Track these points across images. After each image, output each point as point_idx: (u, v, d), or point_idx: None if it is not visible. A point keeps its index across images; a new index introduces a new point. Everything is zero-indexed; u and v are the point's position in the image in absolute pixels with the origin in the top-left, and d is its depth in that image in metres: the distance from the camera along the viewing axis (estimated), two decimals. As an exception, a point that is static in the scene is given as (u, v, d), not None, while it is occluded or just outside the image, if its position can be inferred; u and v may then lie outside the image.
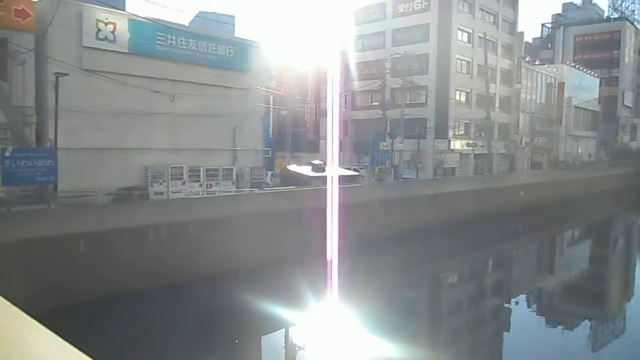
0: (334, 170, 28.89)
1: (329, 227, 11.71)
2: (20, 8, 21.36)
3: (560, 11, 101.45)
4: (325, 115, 48.75)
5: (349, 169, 32.97)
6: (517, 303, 22.59)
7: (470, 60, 49.89)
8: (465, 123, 50.08)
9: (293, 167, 28.78)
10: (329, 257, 11.31)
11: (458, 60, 48.62)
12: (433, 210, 26.99)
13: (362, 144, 52.08)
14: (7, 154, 15.28)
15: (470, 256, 28.61)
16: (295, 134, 40.08)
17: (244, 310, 15.98)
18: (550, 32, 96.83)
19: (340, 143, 53.35)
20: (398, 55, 42.62)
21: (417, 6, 49.00)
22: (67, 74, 21.07)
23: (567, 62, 71.99)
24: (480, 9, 50.98)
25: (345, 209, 24.01)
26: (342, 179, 25.22)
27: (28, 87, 21.91)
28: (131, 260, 15.55)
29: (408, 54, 41.53)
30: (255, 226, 19.30)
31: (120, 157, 25.00)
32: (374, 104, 51.29)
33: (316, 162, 27.94)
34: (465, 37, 49.41)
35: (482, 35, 51.08)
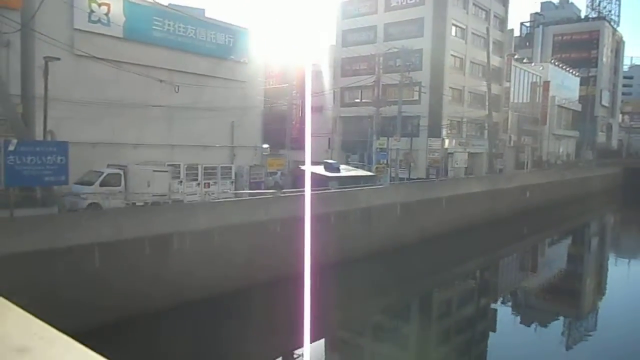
0: (350, 170, 27.53)
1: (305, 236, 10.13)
2: (5, -17, 18.89)
3: (539, 10, 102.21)
4: (313, 111, 47.56)
5: (356, 168, 31.27)
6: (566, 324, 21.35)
7: (463, 57, 49.03)
8: (458, 121, 49.21)
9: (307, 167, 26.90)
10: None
11: (451, 57, 47.62)
12: (450, 213, 25.85)
13: (351, 142, 50.65)
14: (11, 147, 12.88)
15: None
16: (278, 131, 38.28)
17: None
18: (529, 31, 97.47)
19: (329, 140, 51.84)
20: (396, 50, 41.14)
21: (410, 0, 47.71)
22: (58, 59, 18.81)
23: (552, 61, 72.21)
24: (474, 4, 50.12)
25: (368, 212, 22.78)
26: (359, 180, 23.70)
27: (12, 72, 19.44)
28: (153, 274, 13.58)
29: (406, 49, 40.15)
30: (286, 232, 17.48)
31: (112, 153, 22.77)
32: (364, 100, 49.94)
33: (330, 160, 26.20)
34: (459, 33, 48.46)
35: (475, 32, 50.37)
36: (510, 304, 23.07)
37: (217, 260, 15.30)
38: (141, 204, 19.81)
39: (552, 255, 34.45)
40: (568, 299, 24.45)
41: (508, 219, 32.16)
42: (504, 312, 21.49)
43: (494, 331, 18.76)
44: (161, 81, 22.89)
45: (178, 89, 23.71)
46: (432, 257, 23.85)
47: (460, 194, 28.53)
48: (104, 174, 19.90)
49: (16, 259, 11.00)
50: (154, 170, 22.19)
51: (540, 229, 36.91)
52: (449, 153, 46.24)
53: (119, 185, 20.39)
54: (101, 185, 19.50)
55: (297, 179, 25.15)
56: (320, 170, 25.05)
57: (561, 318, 21.08)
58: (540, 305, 22.85)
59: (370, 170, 36.54)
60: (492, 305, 22.29)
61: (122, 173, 20.62)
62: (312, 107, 32.22)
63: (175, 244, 14.12)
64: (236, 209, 16.87)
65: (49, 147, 14.00)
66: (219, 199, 21.49)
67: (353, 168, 29.93)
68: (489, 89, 45.81)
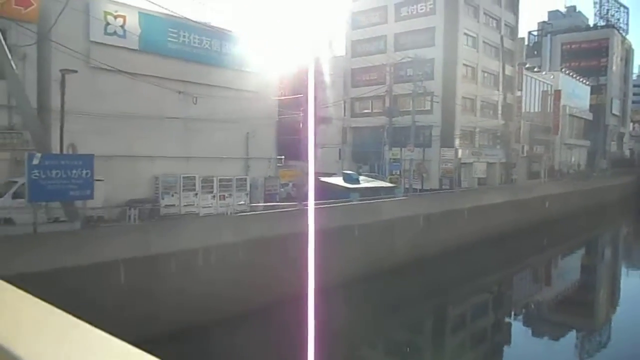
0: (369, 181, 27.06)
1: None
2: (22, -4, 18.73)
3: (546, 19, 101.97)
4: (323, 122, 47.24)
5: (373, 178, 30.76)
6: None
7: (475, 66, 48.66)
8: (470, 131, 48.68)
9: (326, 178, 26.46)
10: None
11: (463, 66, 47.25)
12: (472, 224, 25.33)
13: (361, 153, 50.22)
14: (36, 161, 12.48)
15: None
16: (288, 142, 37.88)
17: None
18: (537, 40, 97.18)
19: (339, 151, 51.43)
20: (409, 59, 40.83)
21: (421, 9, 47.47)
22: (75, 71, 18.57)
23: (563, 69, 71.73)
24: (485, 13, 49.86)
25: (391, 224, 22.29)
26: (379, 191, 23.23)
27: (29, 85, 19.17)
28: (180, 290, 13.11)
29: (419, 58, 39.85)
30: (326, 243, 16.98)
31: (128, 166, 22.45)
32: (375, 110, 49.59)
33: (348, 171, 25.74)
34: (470, 42, 48.15)
35: (486, 40, 50.08)
36: (536, 317, 22.46)
37: (242, 275, 14.83)
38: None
39: (573, 267, 33.80)
40: (594, 311, 23.84)
41: (529, 230, 31.57)
42: (529, 326, 20.96)
43: (509, 344, 18.24)
44: (180, 92, 22.60)
45: (196, 100, 23.40)
46: (455, 271, 23.31)
47: (482, 205, 27.99)
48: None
49: (42, 276, 10.59)
50: None
51: (561, 240, 36.34)
52: (463, 163, 45.69)
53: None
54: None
55: (316, 191, 24.55)
56: (339, 181, 24.56)
57: (590, 330, 20.49)
58: (567, 318, 22.26)
59: (383, 181, 36.07)
60: (514, 318, 21.79)
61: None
62: (322, 118, 31.85)
63: (201, 260, 13.67)
64: (260, 222, 16.42)
65: (74, 161, 13.62)
66: (237, 212, 21.02)
67: (371, 179, 29.42)
68: (505, 98, 45.35)
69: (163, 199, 23.39)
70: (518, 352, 17.71)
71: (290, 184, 26.72)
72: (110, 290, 11.82)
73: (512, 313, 22.40)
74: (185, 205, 24.23)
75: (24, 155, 20.23)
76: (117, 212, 20.33)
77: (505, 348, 17.91)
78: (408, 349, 16.72)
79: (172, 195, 23.92)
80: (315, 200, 16.96)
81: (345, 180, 24.71)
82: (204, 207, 25.09)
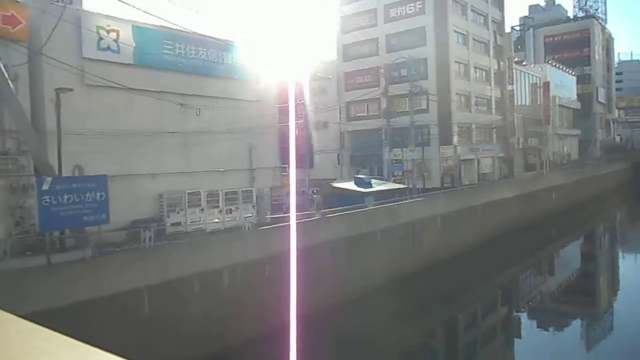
0: (381, 184, 26.26)
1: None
2: (9, 14, 17.69)
3: (527, 14, 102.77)
4: (323, 127, 46.48)
5: (381, 180, 29.94)
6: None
7: (467, 62, 48.40)
8: (467, 127, 48.31)
9: (338, 184, 25.55)
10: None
11: (455, 63, 46.93)
12: (486, 221, 24.67)
13: (359, 156, 49.61)
14: (46, 186, 11.27)
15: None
16: (284, 149, 37.04)
17: None
18: (519, 34, 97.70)
19: (337, 156, 50.69)
20: (403, 59, 40.33)
21: (410, 10, 47.17)
22: (71, 89, 17.56)
23: (549, 61, 72.04)
24: (472, 10, 49.70)
25: (411, 227, 21.54)
26: (393, 194, 22.44)
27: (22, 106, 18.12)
28: (205, 313, 12.12)
29: (413, 58, 39.35)
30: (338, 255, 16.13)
31: (128, 185, 21.36)
32: (370, 113, 49.04)
33: (361, 175, 24.91)
34: (460, 39, 47.90)
35: (475, 37, 49.91)
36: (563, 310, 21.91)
37: (269, 292, 13.89)
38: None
39: (587, 257, 33.45)
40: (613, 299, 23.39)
41: (539, 223, 31.10)
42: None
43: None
44: (181, 105, 21.67)
45: (200, 112, 22.50)
46: (476, 269, 22.67)
47: (494, 200, 27.38)
48: None
49: (60, 312, 9.58)
50: None
51: (571, 230, 36.08)
52: (462, 160, 45.25)
53: None
54: None
55: (327, 198, 23.72)
56: (351, 186, 23.74)
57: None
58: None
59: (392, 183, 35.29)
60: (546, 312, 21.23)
61: None
62: (317, 123, 30.76)
63: (226, 279, 12.70)
64: (282, 235, 15.47)
65: (87, 183, 12.53)
66: (255, 225, 20.06)
67: (382, 181, 28.65)
68: (502, 93, 45.07)
69: (169, 217, 22.37)
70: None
71: (310, 191, 25.90)
72: (135, 322, 10.78)
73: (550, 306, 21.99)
74: (191, 223, 23.25)
75: (20, 182, 19.24)
76: (123, 234, 19.30)
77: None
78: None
79: (178, 213, 22.91)
80: (331, 207, 16.07)
81: (357, 184, 23.87)
82: (210, 223, 24.14)
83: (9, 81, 14.31)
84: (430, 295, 18.53)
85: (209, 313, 12.39)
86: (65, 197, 11.67)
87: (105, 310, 10.49)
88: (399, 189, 25.82)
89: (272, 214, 24.07)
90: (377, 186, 24.12)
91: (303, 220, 17.36)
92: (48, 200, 11.35)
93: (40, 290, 9.68)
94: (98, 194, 12.24)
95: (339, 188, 23.82)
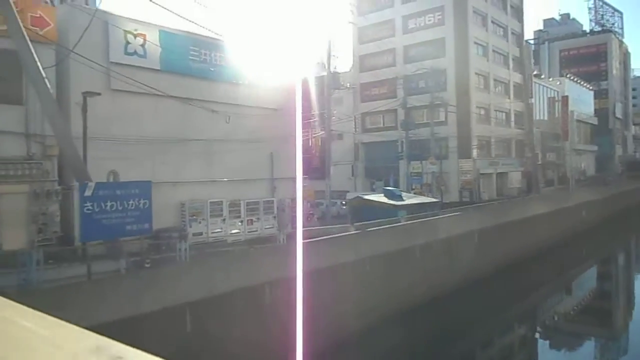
0: (411, 197, 25.64)
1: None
2: (38, 15, 17.43)
3: (541, 27, 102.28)
4: (338, 138, 45.97)
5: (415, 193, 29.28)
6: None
7: (487, 74, 47.80)
8: (486, 141, 47.56)
9: (369, 196, 24.85)
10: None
11: (475, 75, 46.35)
12: (522, 238, 23.93)
13: (374, 168, 48.92)
14: (89, 192, 10.46)
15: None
16: (306, 160, 36.60)
17: None
18: (534, 48, 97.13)
19: (352, 168, 50.12)
20: (424, 70, 39.85)
21: (429, 21, 46.76)
22: (99, 94, 17.18)
23: (568, 75, 71.28)
24: (492, 21, 49.25)
25: (448, 243, 20.86)
26: (425, 207, 21.78)
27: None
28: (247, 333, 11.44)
29: (434, 69, 38.85)
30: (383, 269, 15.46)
31: (153, 193, 20.87)
32: (387, 125, 48.50)
33: (390, 188, 24.25)
34: (480, 50, 47.39)
35: (495, 49, 49.42)
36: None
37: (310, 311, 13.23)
38: None
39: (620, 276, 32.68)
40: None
41: (572, 240, 30.28)
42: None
43: None
44: (213, 111, 21.26)
45: (229, 120, 22.07)
46: (516, 288, 22.02)
47: (529, 216, 26.59)
48: None
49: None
50: None
51: (603, 247, 35.27)
52: (482, 174, 44.47)
53: None
54: None
55: (358, 210, 23.00)
56: (382, 198, 23.05)
57: None
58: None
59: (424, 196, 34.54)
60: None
61: None
62: (332, 135, 30.08)
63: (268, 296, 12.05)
64: (319, 250, 14.81)
65: (131, 189, 11.82)
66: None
67: (412, 195, 27.96)
68: (526, 107, 44.40)
69: (190, 226, 21.85)
70: None
71: (339, 202, 25.37)
72: (176, 340, 10.10)
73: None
74: (212, 233, 22.70)
75: (43, 187, 18.80)
76: (147, 244, 18.78)
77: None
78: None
79: (200, 222, 22.40)
80: (361, 220, 15.32)
81: (387, 197, 23.15)
82: (231, 234, 23.58)
83: (46, 80, 13.84)
84: (470, 315, 17.80)
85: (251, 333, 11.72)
86: (109, 204, 10.92)
87: (149, 327, 9.83)
88: (430, 202, 25.07)
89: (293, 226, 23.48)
90: (409, 199, 23.43)
91: (341, 234, 16.69)
92: (90, 208, 10.55)
93: (84, 306, 9.07)
94: (142, 201, 11.52)
95: (369, 200, 23.10)
